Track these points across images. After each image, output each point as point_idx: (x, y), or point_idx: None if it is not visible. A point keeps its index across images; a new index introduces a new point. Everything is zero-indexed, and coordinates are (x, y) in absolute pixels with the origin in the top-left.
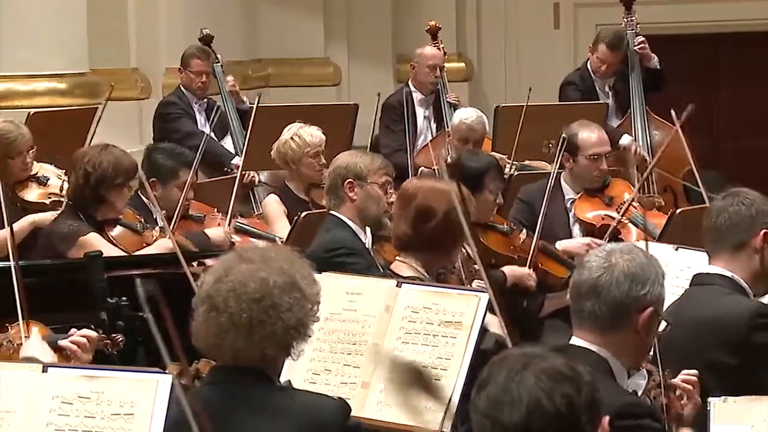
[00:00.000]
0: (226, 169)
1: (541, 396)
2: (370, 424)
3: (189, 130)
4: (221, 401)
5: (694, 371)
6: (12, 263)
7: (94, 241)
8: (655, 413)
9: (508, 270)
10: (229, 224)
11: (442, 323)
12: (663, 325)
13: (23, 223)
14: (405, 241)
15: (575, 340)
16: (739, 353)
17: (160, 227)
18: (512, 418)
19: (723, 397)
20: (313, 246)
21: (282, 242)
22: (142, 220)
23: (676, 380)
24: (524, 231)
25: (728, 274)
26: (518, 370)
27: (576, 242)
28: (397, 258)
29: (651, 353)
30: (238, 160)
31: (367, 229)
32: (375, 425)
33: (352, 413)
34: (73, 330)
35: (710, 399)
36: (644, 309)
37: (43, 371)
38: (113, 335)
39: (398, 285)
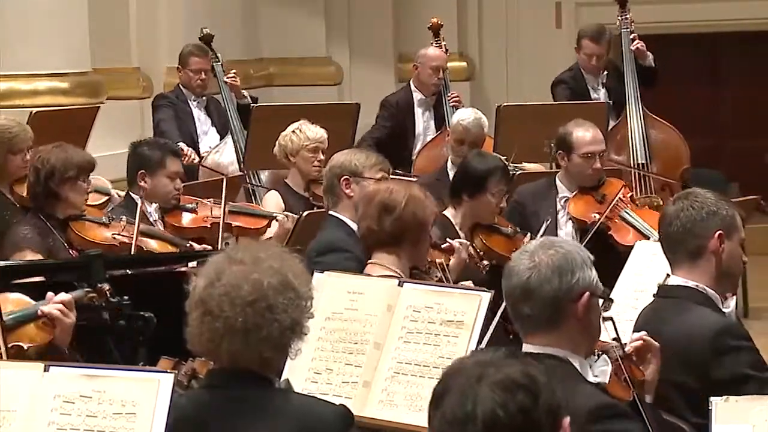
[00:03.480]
0: None
1: (497, 410)
2: (372, 423)
3: (162, 117)
4: (219, 405)
5: (642, 333)
6: None
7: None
8: (628, 412)
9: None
10: (223, 216)
11: (444, 323)
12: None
13: None
14: (371, 237)
15: (528, 347)
16: (703, 378)
17: (127, 219)
18: None
19: (725, 397)
20: (309, 247)
21: (280, 219)
22: (108, 214)
23: (628, 348)
24: (528, 235)
25: (691, 284)
26: (472, 384)
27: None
28: (370, 261)
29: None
30: (182, 145)
31: None
32: (376, 424)
33: (354, 412)
34: (49, 294)
35: (711, 398)
36: (580, 296)
37: (44, 370)
38: (98, 286)
39: (400, 284)
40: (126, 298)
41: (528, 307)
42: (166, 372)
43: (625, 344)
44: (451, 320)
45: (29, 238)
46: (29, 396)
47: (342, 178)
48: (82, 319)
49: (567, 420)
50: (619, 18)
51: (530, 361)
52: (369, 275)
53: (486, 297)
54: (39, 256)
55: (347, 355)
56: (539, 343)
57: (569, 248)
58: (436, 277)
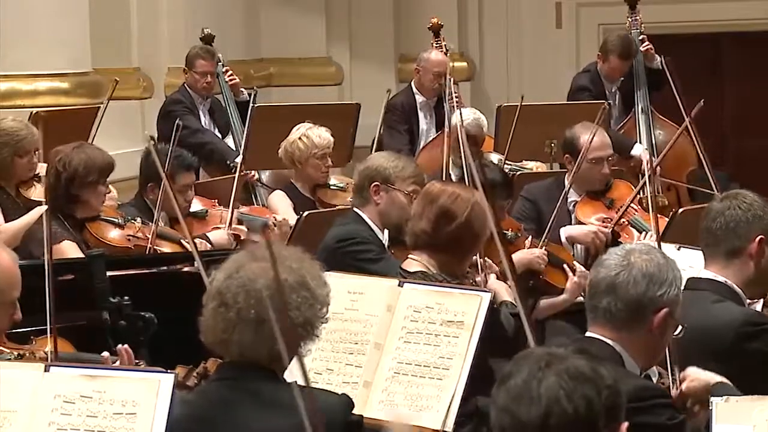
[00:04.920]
0: (228, 162)
1: (561, 395)
2: (372, 423)
3: (195, 126)
4: (228, 396)
5: (709, 376)
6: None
7: (65, 249)
8: (666, 393)
9: (516, 258)
10: (229, 225)
11: (445, 323)
12: (679, 329)
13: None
14: (422, 239)
15: (590, 334)
16: (727, 363)
17: (142, 220)
18: (530, 415)
19: (725, 397)
20: (327, 237)
21: (278, 221)
22: (123, 214)
23: (683, 385)
24: (530, 238)
25: (721, 279)
26: (541, 368)
27: (582, 229)
28: (410, 255)
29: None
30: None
31: (386, 231)
32: (377, 424)
33: (354, 413)
34: (105, 354)
35: (712, 399)
36: (659, 310)
37: (45, 371)
38: (136, 362)
39: (400, 284)
40: (126, 298)
41: (607, 301)
42: (166, 372)
43: (676, 378)
44: (452, 320)
45: (61, 232)
46: (30, 396)
47: (373, 184)
48: (81, 319)
49: (625, 426)
50: (629, 19)
51: (600, 359)
52: (403, 269)
53: (486, 297)
54: (76, 247)
55: (347, 355)
56: (602, 334)
57: (665, 261)
58: (472, 281)
